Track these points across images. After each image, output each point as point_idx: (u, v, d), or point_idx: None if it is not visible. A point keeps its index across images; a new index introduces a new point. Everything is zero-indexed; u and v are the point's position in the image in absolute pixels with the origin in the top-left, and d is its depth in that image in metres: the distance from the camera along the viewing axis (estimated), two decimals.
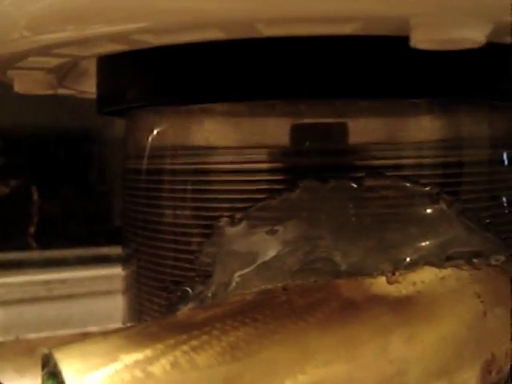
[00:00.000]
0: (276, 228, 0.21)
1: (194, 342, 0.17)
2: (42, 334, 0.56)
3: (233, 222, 0.22)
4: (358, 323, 0.20)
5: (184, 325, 0.18)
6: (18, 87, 0.28)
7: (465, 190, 0.23)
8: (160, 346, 0.17)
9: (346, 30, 0.17)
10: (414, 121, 0.22)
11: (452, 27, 0.16)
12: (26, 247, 0.57)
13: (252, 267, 0.21)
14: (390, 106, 0.22)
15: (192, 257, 0.23)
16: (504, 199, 0.24)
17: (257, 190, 0.22)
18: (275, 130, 0.22)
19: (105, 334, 0.19)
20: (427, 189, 0.22)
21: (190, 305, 0.22)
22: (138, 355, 0.17)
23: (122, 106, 0.25)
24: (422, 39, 0.16)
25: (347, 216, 0.21)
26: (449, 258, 0.22)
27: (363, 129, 0.22)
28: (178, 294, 0.23)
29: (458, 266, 0.22)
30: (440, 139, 0.22)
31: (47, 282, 0.57)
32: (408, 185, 0.22)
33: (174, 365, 0.17)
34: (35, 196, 0.56)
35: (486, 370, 0.21)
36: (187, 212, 0.23)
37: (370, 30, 0.17)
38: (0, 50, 0.22)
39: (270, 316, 0.19)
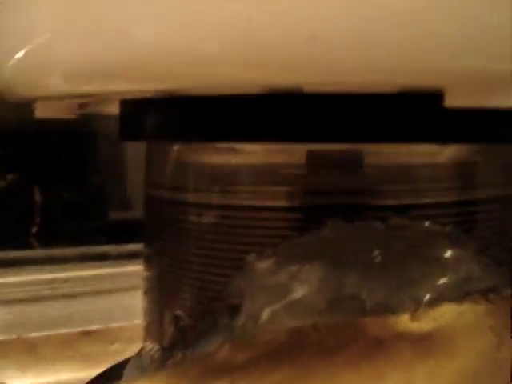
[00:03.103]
0: (304, 265, 0.22)
1: None
2: (45, 333, 0.57)
3: (262, 258, 0.23)
4: (385, 360, 0.21)
5: (226, 367, 0.19)
6: (39, 113, 0.29)
7: (480, 227, 0.24)
8: None
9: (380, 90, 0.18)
10: (433, 163, 0.23)
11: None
12: (28, 246, 0.58)
13: (281, 303, 0.22)
14: (412, 150, 0.23)
15: (220, 288, 0.24)
16: None
17: (285, 227, 0.23)
18: (305, 170, 0.23)
19: (149, 379, 0.20)
20: (446, 229, 0.23)
21: (219, 336, 0.23)
22: None
23: (148, 139, 0.26)
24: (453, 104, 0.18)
25: (372, 255, 0.22)
26: (467, 294, 0.23)
27: (387, 172, 0.23)
28: (206, 323, 0.24)
29: (474, 301, 0.23)
30: (457, 179, 0.23)
31: (50, 281, 0.58)
32: (428, 225, 0.23)
33: None
34: (37, 196, 0.57)
35: None
36: (215, 245, 0.24)
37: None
38: (27, 93, 0.23)
39: (303, 357, 0.20)
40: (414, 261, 0.23)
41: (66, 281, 0.58)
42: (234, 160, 0.24)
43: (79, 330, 0.57)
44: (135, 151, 0.61)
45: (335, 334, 0.21)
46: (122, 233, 0.61)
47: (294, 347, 0.20)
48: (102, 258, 0.61)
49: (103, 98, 0.24)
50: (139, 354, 0.31)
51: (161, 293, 0.27)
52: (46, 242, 0.59)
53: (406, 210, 0.23)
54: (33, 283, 0.57)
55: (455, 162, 0.23)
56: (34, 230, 0.57)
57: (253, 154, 0.23)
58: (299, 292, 0.22)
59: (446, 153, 0.23)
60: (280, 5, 0.16)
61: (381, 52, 0.16)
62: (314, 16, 0.16)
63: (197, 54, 0.17)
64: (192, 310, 0.26)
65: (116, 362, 0.36)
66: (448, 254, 0.23)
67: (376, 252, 0.22)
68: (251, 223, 0.24)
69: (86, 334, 0.58)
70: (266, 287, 0.23)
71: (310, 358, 0.20)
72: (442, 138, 0.21)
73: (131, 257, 0.57)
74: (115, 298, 0.58)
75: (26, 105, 0.27)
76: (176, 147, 0.26)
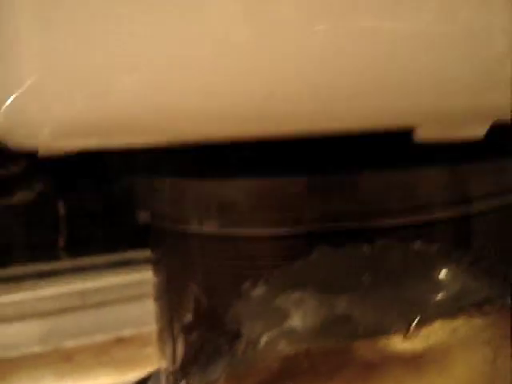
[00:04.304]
0: (297, 291, 0.23)
1: None
2: (79, 342, 0.59)
3: (257, 285, 0.24)
4: (377, 382, 0.21)
5: None
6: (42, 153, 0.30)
7: (472, 240, 0.24)
8: None
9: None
10: (422, 183, 0.23)
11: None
12: (56, 258, 0.60)
13: (277, 329, 0.23)
14: (398, 172, 0.23)
15: (221, 314, 0.25)
16: None
17: (277, 255, 0.24)
18: (292, 199, 0.23)
19: None
20: (436, 246, 0.23)
21: (222, 360, 0.24)
22: None
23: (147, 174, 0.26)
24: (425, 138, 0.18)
25: (362, 277, 0.23)
26: (460, 309, 0.23)
27: (371, 195, 0.23)
28: (210, 348, 0.25)
29: (469, 316, 0.23)
30: (449, 197, 0.24)
31: (81, 292, 0.59)
32: (419, 244, 0.23)
33: None
34: (62, 209, 0.59)
35: None
36: (214, 273, 0.25)
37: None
38: (26, 144, 0.24)
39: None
40: (404, 281, 0.23)
41: (96, 290, 0.60)
42: (224, 193, 0.25)
43: (112, 336, 0.59)
44: None
45: (328, 360, 0.22)
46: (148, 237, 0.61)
47: (286, 376, 0.21)
48: (130, 263, 0.62)
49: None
50: (156, 373, 0.32)
51: (169, 313, 0.28)
52: (74, 253, 0.60)
53: (393, 231, 0.23)
54: (64, 295, 0.59)
55: (439, 179, 0.23)
56: (62, 242, 0.59)
57: (241, 187, 0.24)
58: (294, 318, 0.23)
59: (434, 172, 0.23)
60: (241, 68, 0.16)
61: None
62: (273, 74, 0.16)
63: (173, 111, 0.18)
64: (195, 336, 0.27)
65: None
66: (439, 271, 0.23)
67: (365, 275, 0.23)
68: (245, 253, 0.24)
69: (119, 340, 0.60)
70: (263, 314, 0.24)
71: None
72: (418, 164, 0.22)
73: None
74: (145, 303, 0.60)
75: None
76: (175, 181, 0.27)
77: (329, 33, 0.16)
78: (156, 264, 0.29)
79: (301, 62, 0.16)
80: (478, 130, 0.18)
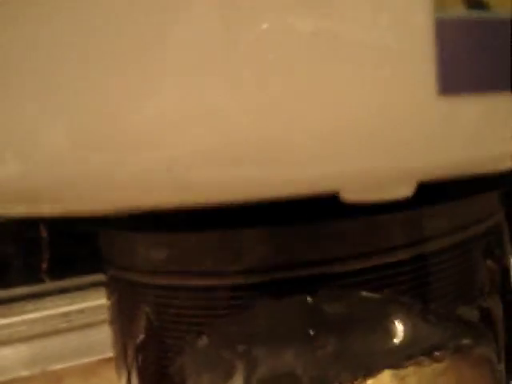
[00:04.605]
0: (240, 345, 0.22)
1: None
2: (67, 364, 0.59)
3: (200, 338, 0.23)
4: None
5: None
6: None
7: (424, 284, 0.23)
8: None
9: None
10: (365, 227, 0.22)
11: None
12: (40, 281, 0.59)
13: (222, 381, 0.22)
14: (339, 218, 0.22)
15: (165, 367, 0.24)
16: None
17: (219, 306, 0.23)
18: (232, 250, 0.23)
19: None
20: (384, 293, 0.22)
21: None
22: None
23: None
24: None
25: (305, 329, 0.22)
26: (409, 357, 0.22)
27: (310, 244, 0.22)
28: None
29: (418, 364, 0.22)
30: (396, 240, 0.23)
31: (66, 314, 0.59)
32: (364, 293, 0.22)
33: None
34: (43, 232, 0.58)
35: None
36: (159, 324, 0.24)
37: None
38: None
39: None
40: (350, 331, 0.22)
41: (82, 311, 0.59)
42: (168, 247, 0.24)
43: (100, 357, 0.59)
44: None
45: None
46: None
47: None
48: None
49: None
50: None
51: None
52: (58, 274, 0.60)
53: (337, 279, 0.22)
54: (50, 317, 0.59)
55: (384, 223, 0.22)
56: (45, 265, 0.59)
57: (185, 239, 0.23)
58: (237, 372, 0.22)
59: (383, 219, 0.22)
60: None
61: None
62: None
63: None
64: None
65: None
66: (387, 318, 0.22)
67: (308, 326, 0.22)
68: (187, 303, 0.24)
69: (108, 360, 0.60)
70: (206, 367, 0.23)
71: None
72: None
73: None
74: None
75: None
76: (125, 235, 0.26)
77: None
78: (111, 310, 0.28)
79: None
80: (404, 191, 0.17)
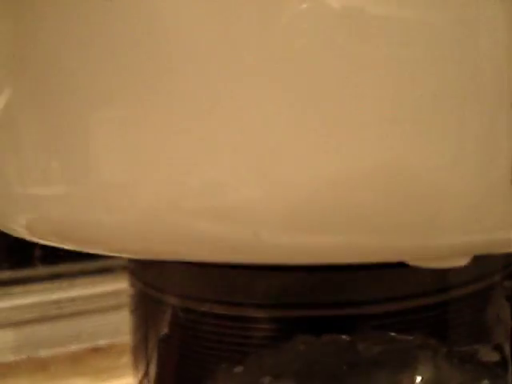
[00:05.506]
0: (274, 378, 0.23)
1: None
2: (55, 351, 0.59)
3: (233, 368, 0.24)
4: None
5: None
6: None
7: (450, 328, 0.24)
8: None
9: None
10: (399, 275, 0.23)
11: None
12: (32, 266, 0.59)
13: None
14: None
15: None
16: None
17: (256, 338, 0.24)
18: (272, 283, 0.23)
19: None
20: (414, 337, 0.23)
21: None
22: None
23: None
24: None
25: (338, 366, 0.23)
26: None
27: (350, 285, 0.23)
28: None
29: None
30: (426, 286, 0.24)
31: (57, 301, 0.59)
32: (395, 335, 0.23)
33: None
34: None
35: None
36: (192, 351, 0.25)
37: None
38: None
39: None
40: (379, 370, 0.23)
41: (72, 300, 0.59)
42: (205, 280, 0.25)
43: (88, 346, 0.59)
44: None
45: None
46: None
47: None
48: (107, 272, 0.62)
49: None
50: None
51: None
52: (50, 261, 0.60)
53: (372, 320, 0.23)
54: (40, 304, 0.59)
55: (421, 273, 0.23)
56: (37, 251, 0.58)
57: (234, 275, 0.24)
58: None
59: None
60: None
61: None
62: None
63: None
64: None
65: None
66: (414, 360, 0.23)
67: (342, 364, 0.23)
68: (226, 331, 0.24)
69: (95, 350, 0.60)
70: None
71: None
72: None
73: None
74: (121, 313, 0.60)
75: None
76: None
77: None
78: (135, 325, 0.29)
79: None
80: (462, 261, 0.18)
